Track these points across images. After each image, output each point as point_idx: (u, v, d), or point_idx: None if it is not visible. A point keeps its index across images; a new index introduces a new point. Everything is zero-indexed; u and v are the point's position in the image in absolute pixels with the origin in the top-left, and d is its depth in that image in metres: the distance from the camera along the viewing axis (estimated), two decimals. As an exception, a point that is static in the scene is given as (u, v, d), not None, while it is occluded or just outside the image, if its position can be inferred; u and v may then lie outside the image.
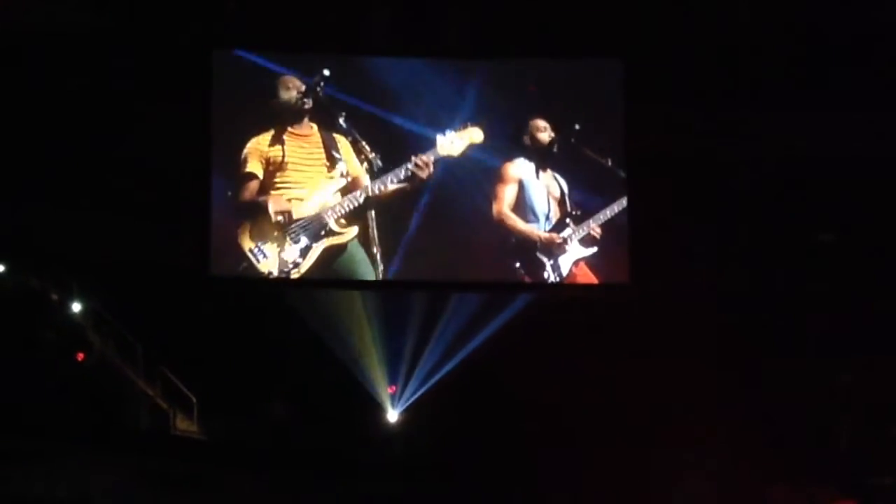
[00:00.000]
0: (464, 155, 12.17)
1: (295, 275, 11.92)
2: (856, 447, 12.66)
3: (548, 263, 12.18)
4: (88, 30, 12.46)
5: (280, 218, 11.93)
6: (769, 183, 13.22)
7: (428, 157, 12.05)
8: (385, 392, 13.12)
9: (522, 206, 12.27)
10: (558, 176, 12.35)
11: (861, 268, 13.08)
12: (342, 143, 12.14)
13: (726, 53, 12.91)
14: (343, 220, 12.03)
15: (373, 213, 12.05)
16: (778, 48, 12.89)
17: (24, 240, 12.50)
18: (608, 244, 12.22)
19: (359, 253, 12.05)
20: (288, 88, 12.09)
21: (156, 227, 12.72)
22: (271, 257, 11.92)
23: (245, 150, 12.01)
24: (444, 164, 12.14)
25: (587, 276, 12.18)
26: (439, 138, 12.13)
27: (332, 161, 12.11)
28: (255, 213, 11.94)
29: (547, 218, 12.25)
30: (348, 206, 12.03)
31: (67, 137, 12.62)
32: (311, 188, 12.07)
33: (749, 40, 12.90)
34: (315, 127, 12.16)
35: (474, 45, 12.86)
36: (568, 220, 12.22)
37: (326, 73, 12.08)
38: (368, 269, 12.03)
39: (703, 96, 12.91)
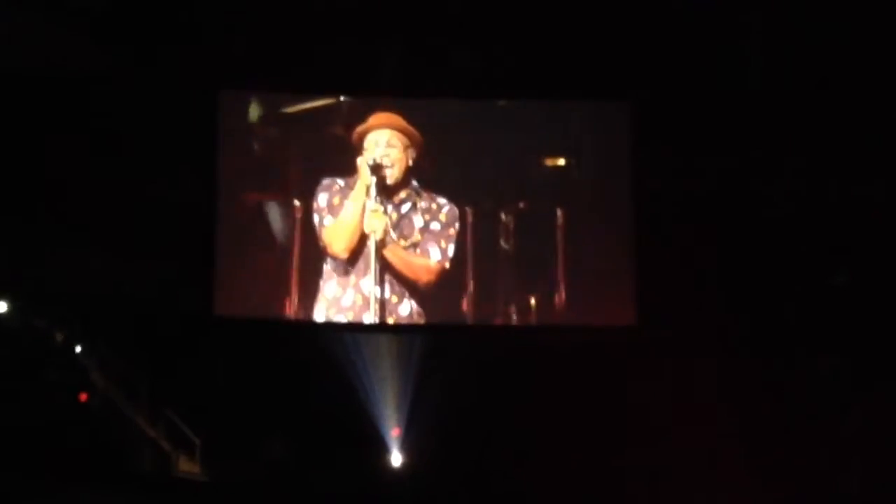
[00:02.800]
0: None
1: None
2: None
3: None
4: (92, 72, 12.53)
5: None
6: (781, 225, 13.06)
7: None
8: (390, 434, 13.02)
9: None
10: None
11: (875, 310, 12.87)
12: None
13: (736, 96, 12.80)
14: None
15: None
16: (790, 90, 12.77)
17: (28, 279, 12.48)
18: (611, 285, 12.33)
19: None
20: None
21: (160, 266, 12.65)
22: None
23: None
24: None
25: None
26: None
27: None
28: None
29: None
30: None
31: (70, 178, 12.65)
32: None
33: (761, 83, 12.80)
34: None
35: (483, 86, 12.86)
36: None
37: None
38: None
39: (715, 139, 12.83)
